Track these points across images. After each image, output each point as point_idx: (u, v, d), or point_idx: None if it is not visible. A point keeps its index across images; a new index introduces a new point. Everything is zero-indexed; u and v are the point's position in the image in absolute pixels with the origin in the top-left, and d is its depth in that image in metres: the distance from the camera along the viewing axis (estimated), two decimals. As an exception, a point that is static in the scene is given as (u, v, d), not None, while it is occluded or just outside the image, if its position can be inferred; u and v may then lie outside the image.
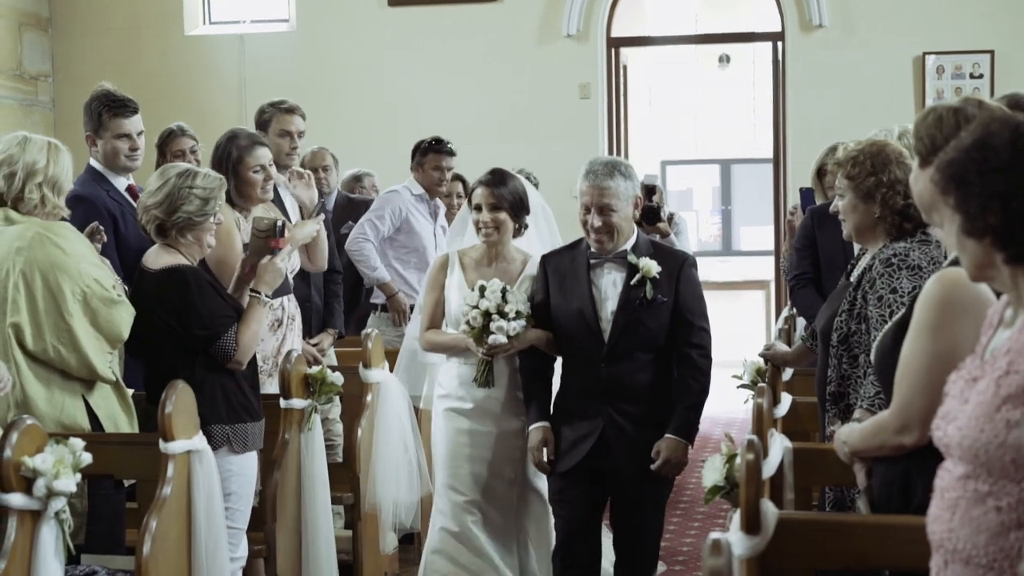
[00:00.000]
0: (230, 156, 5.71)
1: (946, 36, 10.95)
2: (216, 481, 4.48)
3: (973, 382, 2.55)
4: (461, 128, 10.44)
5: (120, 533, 4.91)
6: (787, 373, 5.58)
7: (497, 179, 5.38)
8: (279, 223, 5.17)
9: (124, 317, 4.69)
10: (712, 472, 3.88)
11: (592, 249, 5.08)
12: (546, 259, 5.27)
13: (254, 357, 5.05)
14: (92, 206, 5.52)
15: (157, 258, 4.89)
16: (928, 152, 3.35)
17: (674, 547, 7.28)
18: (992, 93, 10.41)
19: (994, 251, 2.51)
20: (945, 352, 3.04)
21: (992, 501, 2.46)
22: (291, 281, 5.93)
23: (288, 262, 5.27)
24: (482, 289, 5.16)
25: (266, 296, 4.99)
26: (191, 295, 4.82)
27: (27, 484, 3.81)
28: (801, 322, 6.59)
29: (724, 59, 15.61)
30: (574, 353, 5.14)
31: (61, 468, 3.80)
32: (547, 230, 5.79)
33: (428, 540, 5.47)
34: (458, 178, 8.23)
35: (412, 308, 7.15)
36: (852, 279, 4.26)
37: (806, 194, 7.11)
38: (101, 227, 5.25)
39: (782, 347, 5.45)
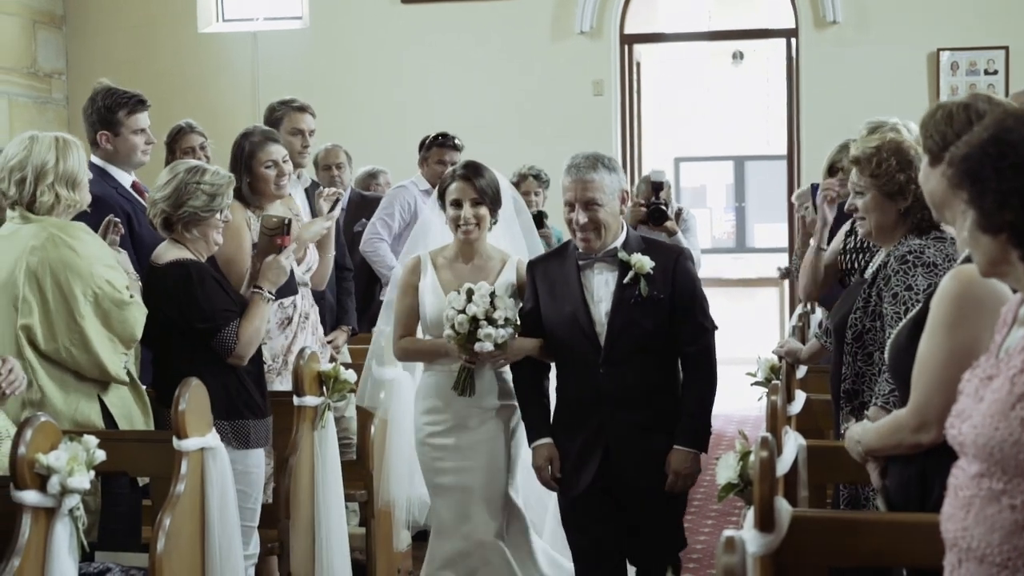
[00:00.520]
0: (243, 152, 5.73)
1: (961, 32, 10.92)
2: (230, 478, 4.49)
3: (988, 380, 2.54)
4: (474, 125, 10.44)
5: (136, 530, 4.93)
6: (801, 370, 5.56)
7: (475, 171, 5.09)
8: (286, 221, 5.17)
9: (137, 317, 4.70)
10: (726, 469, 3.87)
11: (580, 249, 4.84)
12: (533, 265, 5.02)
13: (259, 355, 5.06)
14: (106, 204, 5.52)
15: (164, 253, 4.96)
16: (939, 149, 3.33)
17: (688, 545, 7.25)
18: (1007, 89, 10.39)
19: (1010, 247, 2.50)
20: (962, 349, 3.03)
21: (1007, 499, 2.45)
22: (305, 279, 5.92)
23: (292, 260, 5.26)
24: (469, 293, 4.86)
25: (269, 293, 5.00)
26: (193, 288, 4.87)
27: (41, 481, 3.81)
28: (815, 319, 6.58)
29: (738, 56, 15.58)
30: (569, 360, 4.89)
31: (75, 465, 3.80)
32: (517, 224, 5.43)
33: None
34: None
35: None
36: (867, 276, 4.24)
37: (817, 190, 7.08)
38: (118, 220, 5.24)
39: (796, 344, 5.44)
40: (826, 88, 11.03)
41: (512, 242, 5.32)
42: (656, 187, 8.39)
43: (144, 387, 4.99)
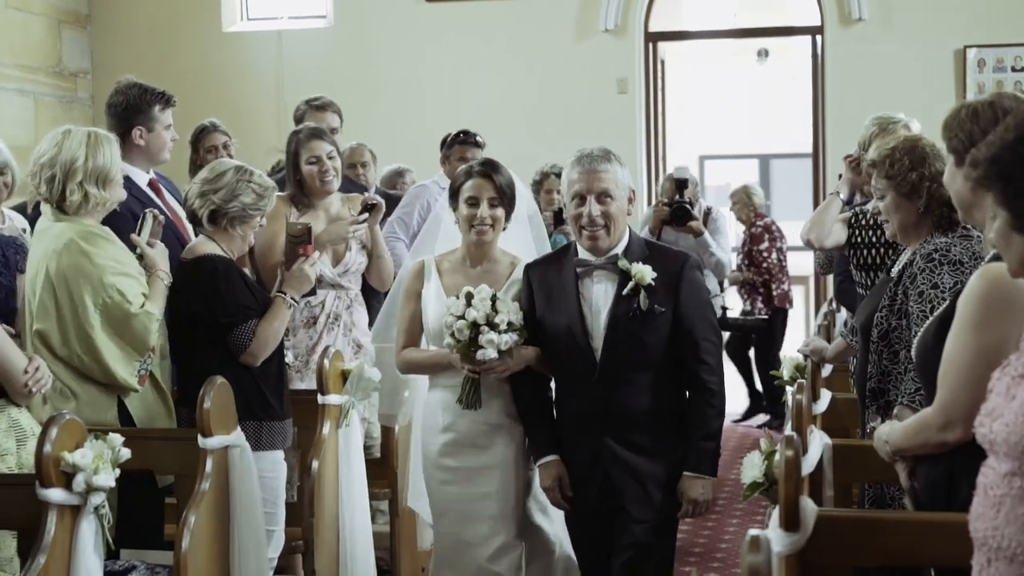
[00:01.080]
0: (290, 149, 5.88)
1: (987, 29, 10.87)
2: (254, 477, 4.50)
3: (1020, 379, 2.52)
4: (497, 123, 10.44)
5: (159, 528, 4.95)
6: (826, 369, 5.55)
7: (494, 168, 4.77)
8: (309, 228, 5.21)
9: (147, 326, 4.70)
10: (751, 468, 3.85)
11: (584, 247, 4.53)
12: (531, 269, 4.70)
13: (280, 359, 5.06)
14: (115, 213, 5.49)
15: (194, 248, 5.02)
16: (965, 148, 3.30)
17: (712, 544, 7.26)
18: (1034, 86, 10.33)
19: (1042, 247, 2.48)
20: (990, 347, 3.01)
21: (1038, 498, 2.44)
22: (337, 279, 5.91)
23: (318, 267, 5.28)
24: (468, 296, 4.51)
25: (292, 299, 5.01)
26: (218, 281, 4.90)
27: (67, 479, 3.82)
28: (840, 317, 6.55)
29: (763, 53, 15.55)
30: (565, 375, 4.59)
31: (100, 464, 3.81)
32: (529, 228, 5.09)
33: None
34: None
35: None
36: (893, 274, 4.22)
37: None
38: (156, 211, 5.20)
39: (821, 343, 5.42)
40: (851, 86, 10.99)
41: (523, 247, 4.97)
42: (680, 184, 8.02)
43: (172, 388, 5.01)
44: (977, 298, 3.12)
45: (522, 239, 5.00)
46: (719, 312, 8.55)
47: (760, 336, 10.77)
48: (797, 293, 14.71)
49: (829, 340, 5.59)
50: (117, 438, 3.93)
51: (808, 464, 3.84)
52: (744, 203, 11.15)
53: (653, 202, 11.66)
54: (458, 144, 7.82)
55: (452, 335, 4.50)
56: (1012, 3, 10.84)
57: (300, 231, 5.18)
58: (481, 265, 4.78)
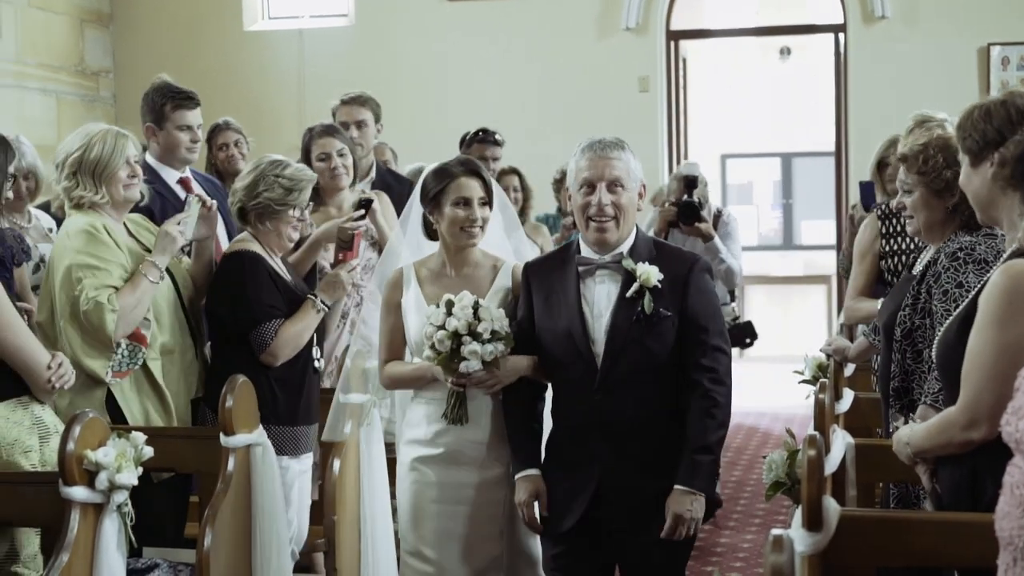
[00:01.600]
0: (303, 146, 5.90)
1: (1011, 26, 10.81)
2: (277, 476, 4.50)
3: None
4: (519, 122, 10.44)
5: (180, 526, 4.96)
6: (849, 368, 5.53)
7: (479, 168, 4.49)
8: (357, 233, 5.23)
9: (100, 316, 4.68)
10: (773, 468, 3.85)
11: (590, 241, 4.22)
12: (530, 269, 4.38)
13: (305, 362, 5.03)
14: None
15: (233, 244, 5.06)
16: (980, 148, 3.28)
17: (734, 544, 7.24)
18: (1058, 84, 10.29)
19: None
20: (1014, 345, 3.00)
21: (1065, 497, 2.42)
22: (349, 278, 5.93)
23: (354, 275, 5.32)
24: (449, 304, 4.20)
25: (323, 304, 4.99)
26: (244, 278, 4.93)
27: (90, 478, 3.83)
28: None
29: (785, 51, 15.50)
30: (563, 382, 4.26)
31: (123, 462, 3.82)
32: (500, 222, 4.71)
33: None
34: (514, 172, 8.18)
35: None
36: (915, 272, 4.20)
37: (866, 187, 7.02)
38: (199, 195, 5.21)
39: (844, 342, 5.40)
40: (874, 84, 10.95)
41: (496, 242, 4.62)
42: (689, 183, 7.38)
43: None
44: (1000, 294, 3.10)
45: (495, 236, 4.63)
46: (729, 322, 8.04)
47: None
48: (819, 293, 14.72)
49: (852, 339, 5.57)
50: (140, 436, 3.95)
51: (831, 464, 3.83)
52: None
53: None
54: (477, 142, 7.81)
55: (432, 347, 4.19)
56: (1036, 1, 10.79)
57: (348, 236, 5.20)
58: (463, 270, 4.46)
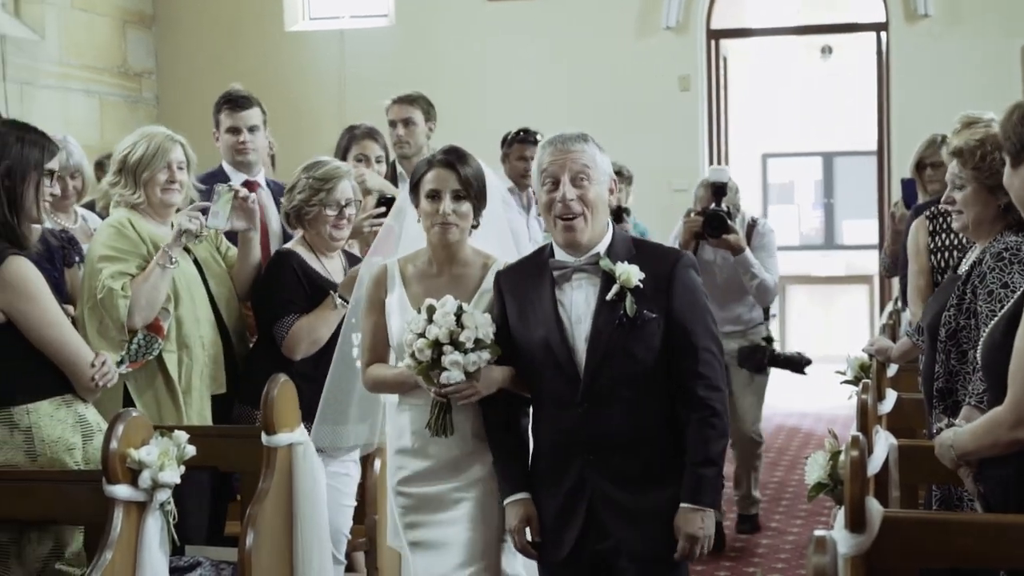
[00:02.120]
0: (341, 144, 5.97)
1: (1055, 24, 10.74)
2: (320, 474, 4.51)
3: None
4: (559, 121, 10.36)
5: (221, 524, 5.00)
6: (892, 369, 5.50)
7: (459, 158, 4.15)
8: (368, 230, 5.27)
9: (112, 302, 4.81)
10: (816, 469, 3.83)
11: (560, 243, 3.91)
12: (502, 276, 4.05)
13: (325, 364, 5.02)
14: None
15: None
16: (1018, 150, 3.25)
17: (776, 544, 7.22)
18: (1104, 82, 10.20)
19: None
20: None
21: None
22: None
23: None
24: (430, 310, 3.89)
25: (342, 299, 4.99)
26: (274, 274, 5.04)
27: (133, 476, 3.86)
28: (906, 316, 6.49)
29: (826, 50, 15.41)
30: (543, 396, 3.94)
31: (166, 460, 3.85)
32: (507, 225, 4.52)
33: None
34: None
35: None
36: (960, 272, 4.17)
37: (908, 185, 6.97)
38: (239, 188, 5.24)
39: (887, 342, 5.37)
40: (917, 82, 10.88)
41: (501, 248, 4.35)
42: (716, 190, 6.82)
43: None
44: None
45: (500, 241, 4.38)
46: (761, 341, 7.30)
47: None
48: (861, 293, 14.65)
49: (894, 339, 5.54)
50: (182, 435, 3.97)
51: (874, 465, 3.81)
52: None
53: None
54: (518, 143, 7.80)
55: (412, 355, 3.88)
56: (1081, -2, 10.70)
57: (362, 232, 5.24)
58: (450, 269, 4.16)
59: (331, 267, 5.14)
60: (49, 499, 3.99)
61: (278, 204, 5.51)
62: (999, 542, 3.08)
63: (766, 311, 7.34)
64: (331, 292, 5.01)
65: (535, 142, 7.76)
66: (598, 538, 3.85)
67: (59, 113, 10.50)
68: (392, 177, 6.62)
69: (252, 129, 5.90)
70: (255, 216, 5.20)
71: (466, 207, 4.10)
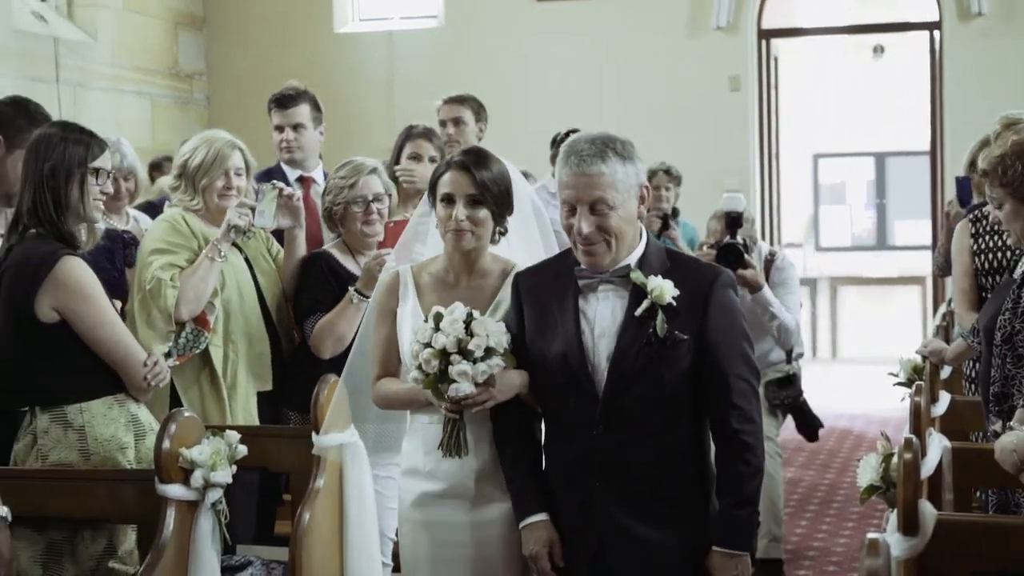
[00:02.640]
0: (398, 142, 6.02)
1: (1111, 23, 10.62)
2: (368, 476, 4.52)
3: None
4: (609, 122, 10.34)
5: (270, 524, 5.02)
6: (945, 371, 5.45)
7: (476, 160, 3.84)
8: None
9: (159, 291, 4.87)
10: (868, 471, 3.80)
11: (581, 263, 3.58)
12: (521, 279, 3.73)
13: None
14: None
15: None
16: None
17: (828, 547, 7.18)
18: None
19: None
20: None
21: None
22: None
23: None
24: (437, 318, 3.60)
25: (359, 295, 4.96)
26: (303, 274, 5.12)
27: (185, 475, 3.88)
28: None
29: (878, 49, 15.31)
30: (557, 416, 3.62)
31: (218, 460, 3.86)
32: (540, 236, 4.11)
33: None
34: None
35: None
36: (1016, 276, 4.12)
37: (963, 183, 6.89)
38: (283, 187, 5.26)
39: (941, 344, 5.32)
40: (970, 82, 10.79)
41: (531, 253, 4.00)
42: (731, 221, 6.28)
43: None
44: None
45: (529, 246, 4.03)
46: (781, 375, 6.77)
47: None
48: (913, 294, 14.55)
49: (948, 341, 5.49)
50: (234, 435, 3.99)
51: (927, 467, 3.78)
52: None
53: (765, 202, 11.57)
54: None
55: (419, 367, 3.61)
56: None
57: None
58: (468, 279, 3.86)
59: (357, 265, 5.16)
60: (102, 498, 4.02)
61: None
62: (1056, 546, 3.05)
63: (789, 353, 6.78)
64: (348, 288, 5.00)
65: None
66: (605, 573, 3.55)
67: (112, 115, 10.58)
68: None
69: (297, 127, 5.94)
70: (300, 214, 5.22)
71: (483, 213, 3.79)
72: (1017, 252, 5.01)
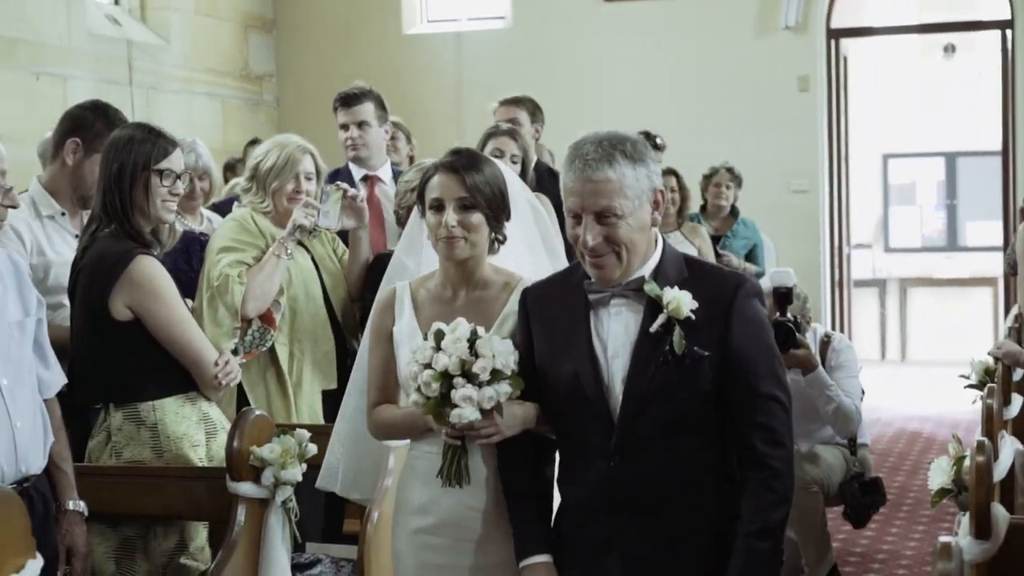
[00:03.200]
0: (482, 141, 6.04)
1: None
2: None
3: None
4: (676, 123, 10.39)
5: (338, 522, 5.06)
6: (1018, 373, 5.40)
7: (467, 163, 3.55)
8: None
9: (227, 287, 4.93)
10: (939, 474, 3.76)
11: (592, 276, 3.26)
12: (529, 295, 3.42)
13: None
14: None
15: None
16: None
17: (897, 551, 7.12)
18: None
19: None
20: None
21: None
22: None
23: None
24: (438, 336, 3.29)
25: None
26: (369, 277, 5.14)
27: (256, 473, 3.92)
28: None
29: (949, 49, 15.16)
30: (571, 444, 3.31)
31: (288, 459, 3.90)
32: (542, 244, 3.90)
33: None
34: (671, 173, 8.14)
35: None
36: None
37: None
38: (347, 188, 5.32)
39: (1014, 346, 5.27)
40: (1043, 81, 10.67)
41: (533, 260, 3.79)
42: (781, 297, 5.76)
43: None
44: None
45: (531, 252, 3.81)
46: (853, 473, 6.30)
47: None
48: (985, 296, 14.40)
49: (1020, 343, 5.44)
50: (304, 434, 4.03)
51: (999, 471, 3.74)
52: None
53: (834, 203, 11.50)
54: None
55: (419, 390, 3.30)
56: None
57: None
58: (466, 292, 3.57)
59: None
60: (174, 495, 4.08)
61: None
62: None
63: (851, 442, 6.28)
64: None
65: (656, 146, 7.73)
66: None
67: (184, 117, 10.69)
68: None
69: (362, 124, 5.98)
70: (364, 215, 5.26)
71: (476, 218, 3.49)
72: None
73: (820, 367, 5.86)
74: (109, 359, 4.15)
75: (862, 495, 6.17)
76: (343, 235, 5.32)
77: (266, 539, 3.93)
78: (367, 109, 6.00)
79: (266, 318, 4.98)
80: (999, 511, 3.08)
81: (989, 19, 11.99)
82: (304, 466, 3.98)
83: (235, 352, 4.81)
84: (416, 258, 3.86)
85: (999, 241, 12.14)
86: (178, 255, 4.94)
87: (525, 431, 3.33)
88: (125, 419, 4.17)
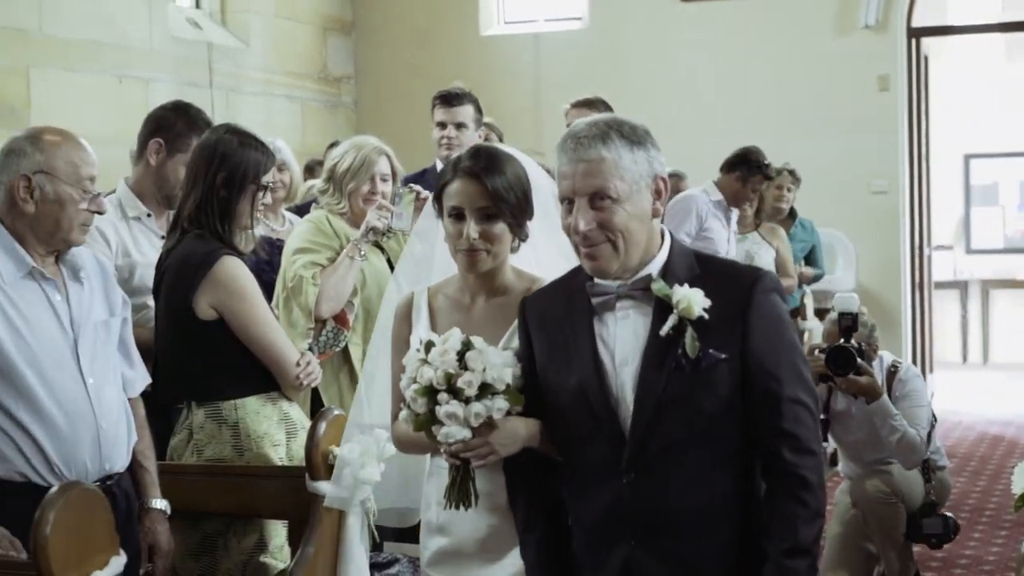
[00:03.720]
0: None
1: None
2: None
3: None
4: (755, 123, 10.32)
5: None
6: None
7: (488, 165, 3.29)
8: None
9: (301, 288, 4.99)
10: (1022, 478, 3.72)
11: (589, 274, 2.98)
12: (527, 303, 3.15)
13: None
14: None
15: None
16: None
17: (980, 556, 7.03)
18: None
19: None
20: None
21: None
22: None
23: None
24: (428, 347, 3.05)
25: None
26: None
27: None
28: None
29: (1033, 47, 14.93)
30: (580, 463, 3.02)
31: (366, 458, 3.92)
32: (559, 229, 3.27)
33: None
34: (789, 172, 8.11)
35: None
36: None
37: None
38: (418, 191, 5.32)
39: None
40: None
41: (551, 257, 3.47)
42: (846, 323, 5.59)
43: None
44: None
45: (550, 248, 3.49)
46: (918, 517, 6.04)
47: None
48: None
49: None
50: (382, 433, 4.04)
51: (1085, 475, 3.69)
52: None
53: (914, 203, 11.37)
54: (761, 174, 7.73)
55: (408, 406, 3.08)
56: None
57: None
58: (486, 300, 3.36)
59: None
60: (255, 494, 4.11)
61: None
62: None
63: (925, 472, 6.01)
64: None
65: (767, 176, 7.63)
66: None
67: (263, 119, 10.78)
68: None
69: (460, 126, 6.02)
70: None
71: (499, 227, 3.27)
72: None
73: (885, 396, 5.69)
74: (192, 358, 4.19)
75: (927, 536, 6.06)
76: None
77: (345, 538, 3.96)
78: (467, 111, 6.05)
79: (340, 319, 5.01)
80: (1086, 517, 3.04)
81: (1074, 17, 11.79)
82: (383, 466, 4.00)
83: (309, 351, 4.85)
84: (429, 263, 3.64)
85: (1084, 242, 11.95)
86: (261, 259, 5.00)
87: (531, 452, 3.08)
88: (207, 418, 4.21)
